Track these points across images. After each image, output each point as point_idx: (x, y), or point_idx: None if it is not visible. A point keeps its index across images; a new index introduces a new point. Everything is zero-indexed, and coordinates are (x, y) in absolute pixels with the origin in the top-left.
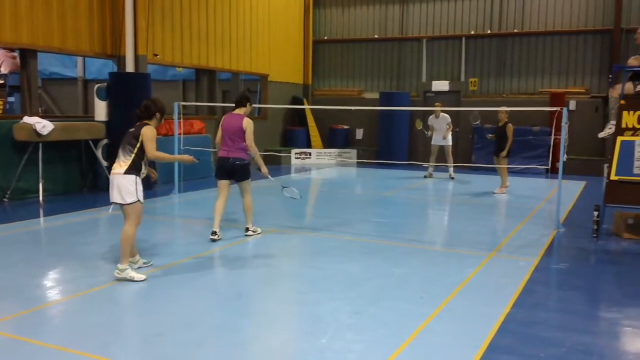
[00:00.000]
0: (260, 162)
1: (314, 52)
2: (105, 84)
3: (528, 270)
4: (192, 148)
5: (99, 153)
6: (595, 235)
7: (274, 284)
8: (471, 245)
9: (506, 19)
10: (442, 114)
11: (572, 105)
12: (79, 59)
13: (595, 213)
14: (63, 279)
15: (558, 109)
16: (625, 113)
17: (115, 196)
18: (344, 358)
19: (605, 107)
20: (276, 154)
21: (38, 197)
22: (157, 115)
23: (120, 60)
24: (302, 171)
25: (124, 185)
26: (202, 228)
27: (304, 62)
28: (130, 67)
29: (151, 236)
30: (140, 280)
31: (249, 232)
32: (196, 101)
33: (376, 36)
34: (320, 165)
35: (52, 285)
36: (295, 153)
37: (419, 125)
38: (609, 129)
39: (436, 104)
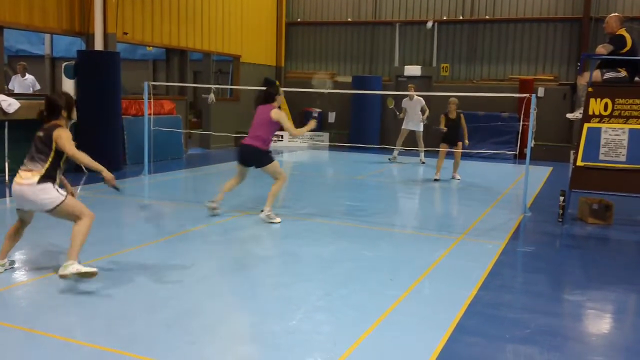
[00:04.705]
0: (301, 131)
1: (287, 34)
2: (74, 62)
3: (495, 254)
4: (163, 129)
5: None
6: (560, 220)
7: (244, 267)
8: (440, 228)
9: (478, 5)
10: (415, 96)
11: (541, 92)
12: (47, 36)
13: (561, 198)
14: (28, 259)
15: (527, 95)
16: (592, 100)
17: (31, 207)
18: (312, 339)
19: (573, 95)
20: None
21: (4, 176)
22: (64, 113)
23: (89, 38)
24: (274, 154)
25: (41, 196)
26: (172, 210)
27: (276, 43)
28: (99, 46)
29: (119, 218)
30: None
31: (262, 215)
32: (167, 81)
33: (349, 19)
34: (292, 148)
35: (16, 266)
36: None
37: (390, 103)
38: (579, 113)
39: (409, 86)
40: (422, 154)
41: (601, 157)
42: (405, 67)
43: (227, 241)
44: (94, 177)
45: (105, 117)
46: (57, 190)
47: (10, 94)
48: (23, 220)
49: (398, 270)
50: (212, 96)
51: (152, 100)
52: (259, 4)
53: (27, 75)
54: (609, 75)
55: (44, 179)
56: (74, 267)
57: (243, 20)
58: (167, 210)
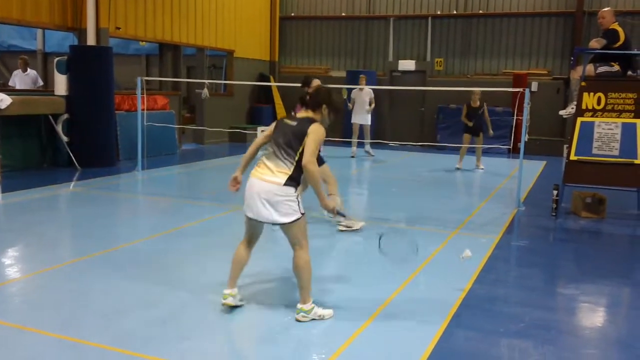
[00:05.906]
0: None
1: (280, 29)
2: (66, 57)
3: (489, 248)
4: (156, 124)
5: (59, 128)
6: (554, 214)
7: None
8: (435, 223)
9: (472, 0)
10: (366, 87)
11: (534, 86)
12: (39, 31)
13: (555, 192)
14: (22, 256)
15: (520, 90)
16: (585, 95)
17: (263, 212)
18: (309, 334)
19: (566, 89)
20: (242, 131)
21: None
22: (325, 110)
23: (81, 33)
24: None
25: (281, 200)
26: (166, 205)
27: (270, 38)
28: (91, 40)
29: (114, 214)
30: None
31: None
32: (160, 76)
33: (344, 14)
34: None
35: (10, 262)
36: (262, 130)
37: (344, 93)
38: (571, 109)
39: (361, 76)
40: (368, 146)
41: (594, 151)
42: (400, 61)
43: (222, 236)
44: (88, 173)
45: (98, 113)
46: (299, 202)
47: (3, 89)
48: (252, 235)
49: (393, 265)
50: (205, 91)
51: (145, 95)
52: None
53: (29, 70)
54: (602, 69)
55: (290, 180)
56: (314, 312)
57: (237, 15)
58: (161, 206)
